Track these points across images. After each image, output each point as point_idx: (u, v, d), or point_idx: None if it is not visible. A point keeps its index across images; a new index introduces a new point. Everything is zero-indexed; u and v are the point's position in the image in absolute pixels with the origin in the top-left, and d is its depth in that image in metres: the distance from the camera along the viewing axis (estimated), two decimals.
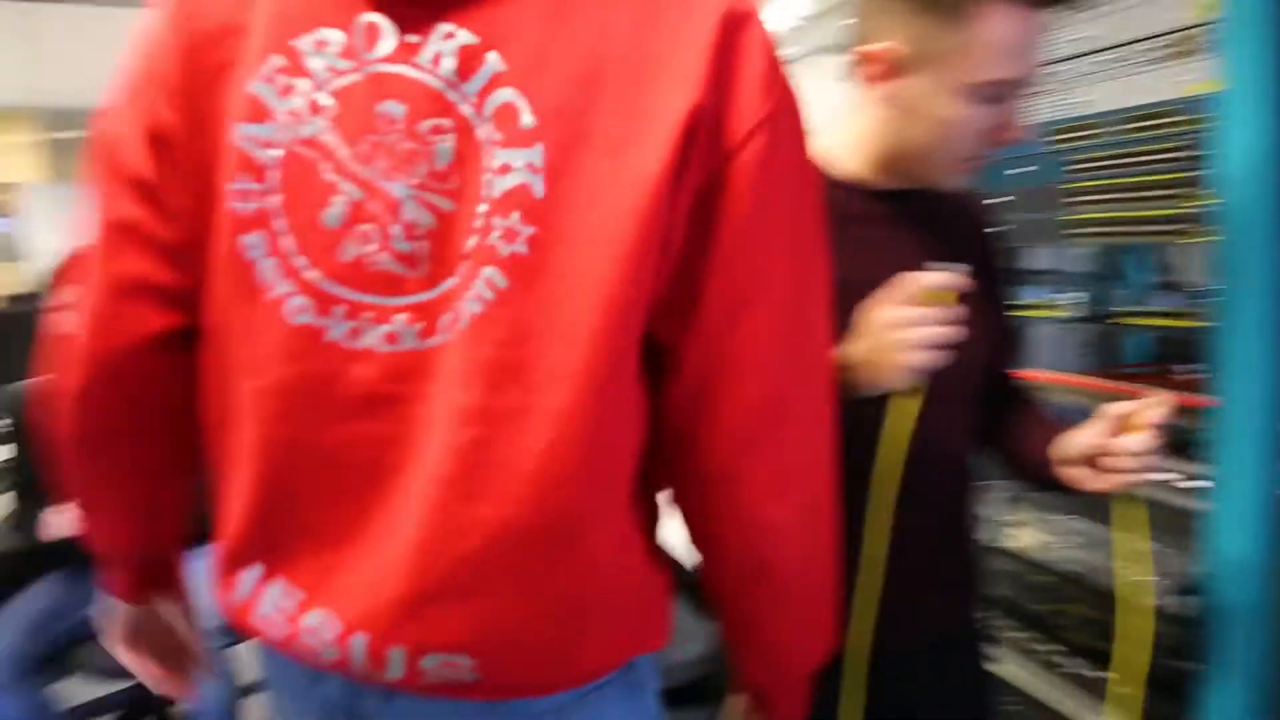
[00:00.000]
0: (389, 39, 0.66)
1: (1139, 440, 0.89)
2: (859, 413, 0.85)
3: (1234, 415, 1.11)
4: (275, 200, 0.68)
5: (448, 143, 0.65)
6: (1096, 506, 1.43)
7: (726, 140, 0.65)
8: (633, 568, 0.75)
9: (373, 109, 0.66)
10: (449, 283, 0.66)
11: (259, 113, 0.67)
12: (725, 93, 0.64)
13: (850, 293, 0.85)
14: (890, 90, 0.95)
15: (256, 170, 0.68)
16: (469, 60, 0.65)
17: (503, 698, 0.72)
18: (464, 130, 0.65)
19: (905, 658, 1.05)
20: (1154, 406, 0.89)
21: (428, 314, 0.67)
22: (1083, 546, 1.44)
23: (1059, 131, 1.39)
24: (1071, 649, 1.45)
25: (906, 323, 0.82)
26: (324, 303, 0.68)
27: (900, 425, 0.89)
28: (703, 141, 0.64)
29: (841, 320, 0.83)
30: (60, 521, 1.88)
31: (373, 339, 0.68)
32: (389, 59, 0.66)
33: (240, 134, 0.68)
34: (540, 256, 0.64)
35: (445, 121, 0.65)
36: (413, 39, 0.65)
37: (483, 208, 0.65)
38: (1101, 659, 1.40)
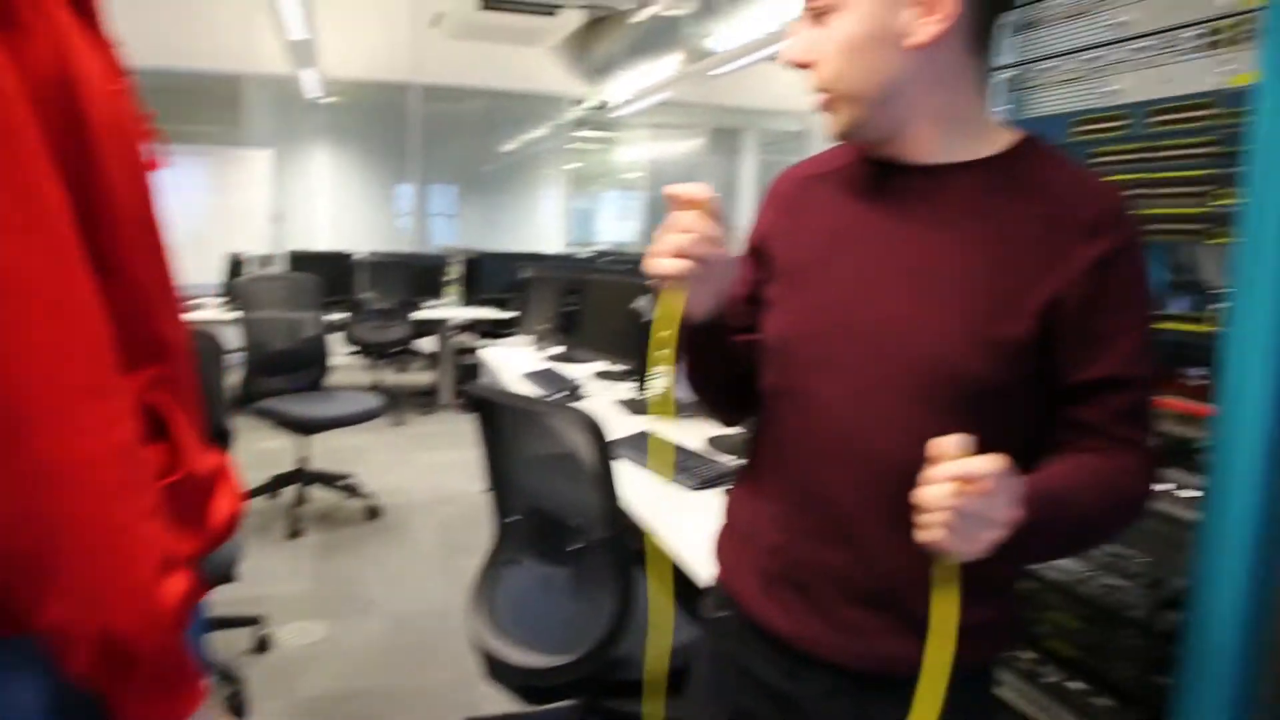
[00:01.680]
0: None
1: (934, 492, 0.80)
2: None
3: (1230, 425, 1.06)
4: None
5: None
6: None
7: None
8: None
9: None
10: None
11: None
12: None
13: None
14: None
15: None
16: None
17: None
18: None
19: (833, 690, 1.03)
20: (956, 458, 0.79)
21: None
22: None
23: (1084, 122, 1.34)
24: (1051, 659, 1.41)
25: (665, 228, 0.96)
26: None
27: (661, 321, 1.02)
28: None
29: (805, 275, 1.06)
30: None
31: None
32: None
33: None
34: None
35: None
36: None
37: None
38: (1080, 670, 1.36)
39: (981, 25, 0.96)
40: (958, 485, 0.78)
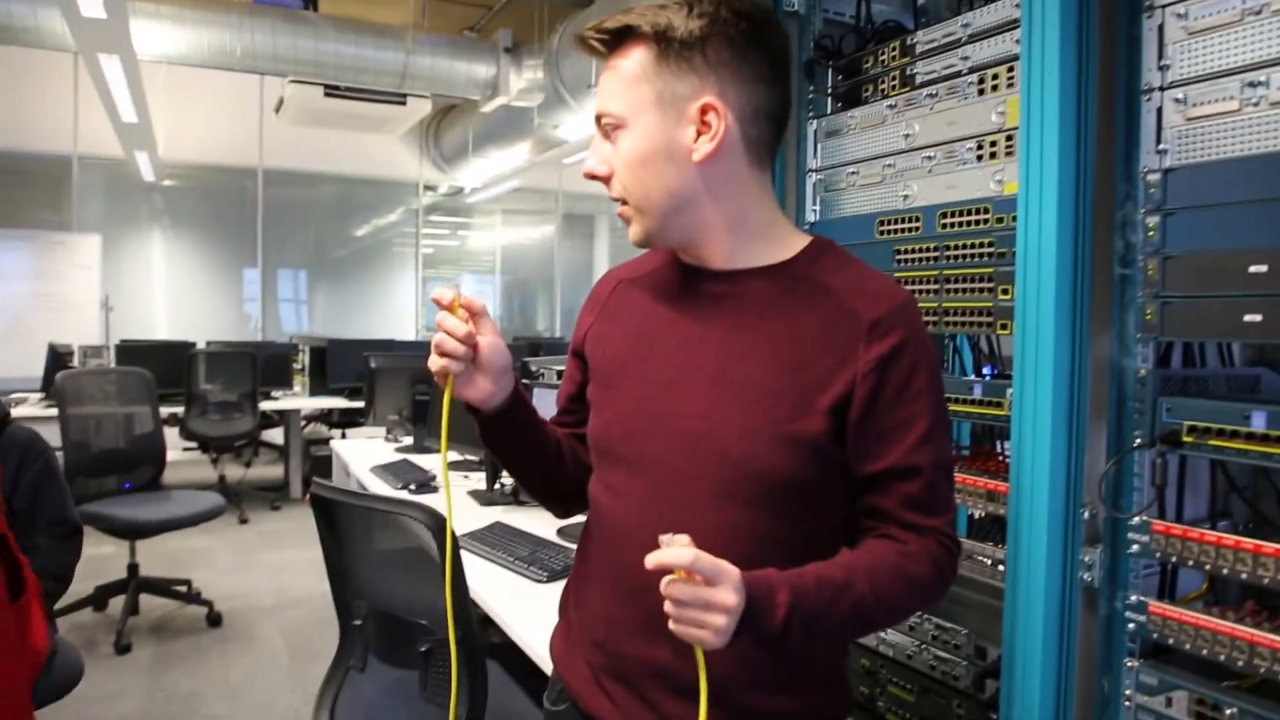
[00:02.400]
0: None
1: (667, 584, 0.86)
2: None
3: (1023, 500, 1.15)
4: None
5: None
6: None
7: None
8: None
9: None
10: None
11: None
12: None
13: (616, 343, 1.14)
14: None
15: None
16: None
17: None
18: None
19: None
20: (670, 548, 0.86)
21: None
22: (901, 630, 1.46)
23: (886, 222, 1.46)
24: None
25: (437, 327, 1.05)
26: None
27: (443, 413, 1.11)
28: None
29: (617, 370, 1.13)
30: None
31: None
32: None
33: None
34: None
35: None
36: None
37: None
38: None
39: (762, 143, 1.06)
40: (677, 575, 0.85)
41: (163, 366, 5.37)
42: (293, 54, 6.00)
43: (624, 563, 1.05)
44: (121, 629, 3.75)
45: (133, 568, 4.01)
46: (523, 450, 1.19)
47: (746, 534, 1.00)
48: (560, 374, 2.14)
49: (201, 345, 6.45)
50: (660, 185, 1.04)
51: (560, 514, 1.32)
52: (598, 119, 1.07)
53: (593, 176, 1.09)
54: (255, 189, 8.96)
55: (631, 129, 1.04)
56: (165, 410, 5.08)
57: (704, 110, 1.01)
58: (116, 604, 3.99)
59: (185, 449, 6.41)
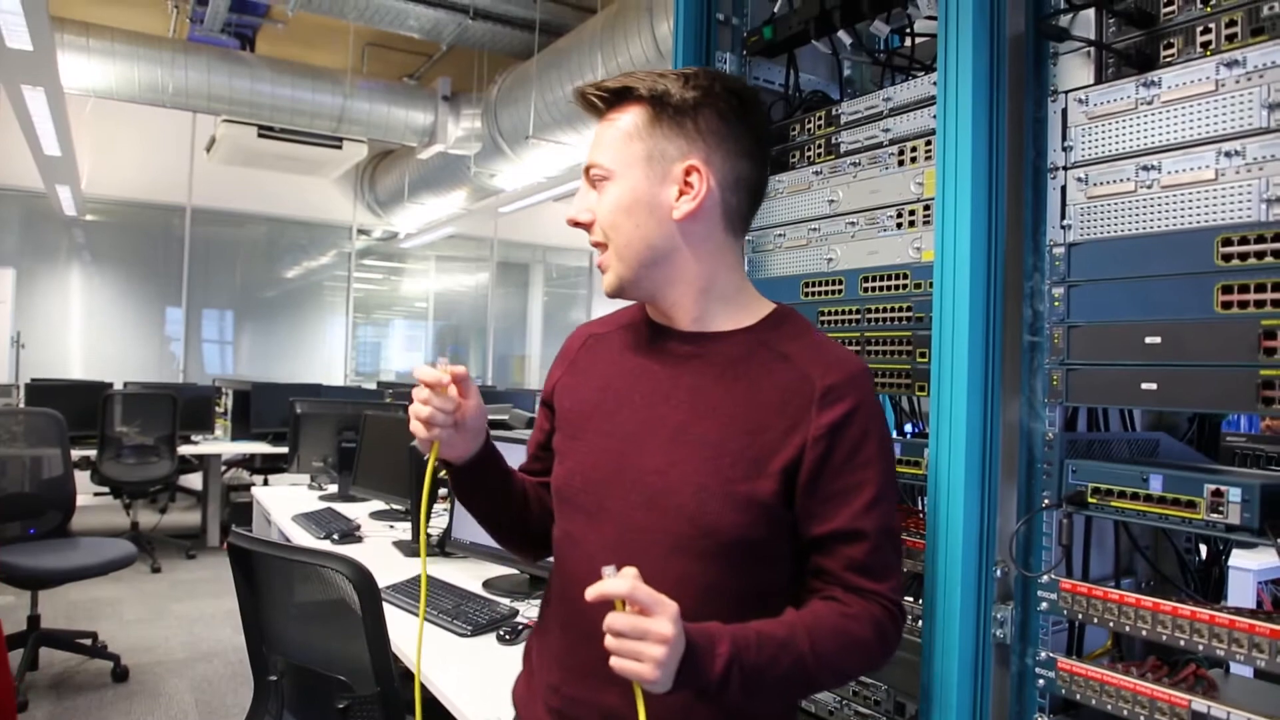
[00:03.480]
0: None
1: (611, 618, 0.89)
2: None
3: (939, 557, 1.19)
4: None
5: None
6: None
7: None
8: None
9: None
10: None
11: None
12: None
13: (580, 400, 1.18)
14: None
15: None
16: None
17: None
18: None
19: None
20: (609, 579, 0.89)
21: None
22: None
23: (811, 284, 1.50)
24: None
25: (416, 398, 1.09)
26: None
27: (425, 481, 1.15)
28: None
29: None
30: None
31: None
32: None
33: None
34: None
35: None
36: None
37: None
38: None
39: (738, 211, 1.13)
40: (618, 608, 0.88)
41: (76, 407, 5.17)
42: (227, 93, 5.95)
43: (577, 608, 1.05)
44: (18, 686, 3.55)
45: (33, 620, 3.81)
46: (492, 498, 1.24)
47: (696, 587, 1.03)
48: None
49: (119, 385, 6.24)
50: (640, 235, 1.09)
51: (528, 559, 1.38)
52: (587, 170, 1.13)
53: (575, 224, 1.14)
54: (183, 226, 8.78)
55: (618, 181, 1.10)
56: (77, 453, 4.88)
57: (688, 171, 1.07)
58: (15, 659, 3.78)
59: (97, 494, 6.15)
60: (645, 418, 1.11)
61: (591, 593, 0.88)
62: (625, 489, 1.09)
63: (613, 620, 0.88)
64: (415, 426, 1.11)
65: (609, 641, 0.88)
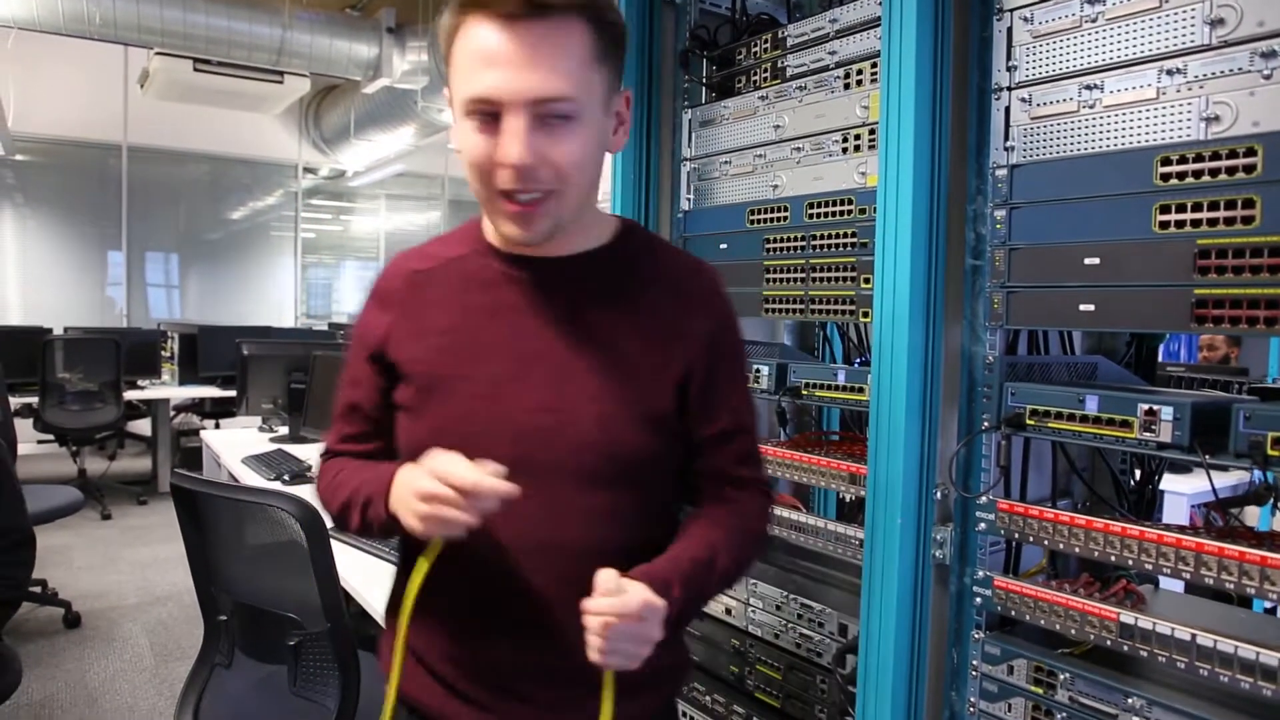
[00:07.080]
0: None
1: (595, 623, 0.88)
2: None
3: (880, 481, 1.21)
4: None
5: None
6: (787, 573, 1.52)
7: None
8: None
9: None
10: None
11: None
12: None
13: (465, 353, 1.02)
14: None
15: None
16: None
17: None
18: None
19: None
20: (613, 593, 0.88)
21: None
22: (769, 610, 1.51)
23: (756, 211, 1.49)
24: (761, 709, 1.51)
25: (428, 496, 0.89)
26: None
27: (415, 573, 0.99)
28: None
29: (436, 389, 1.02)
30: None
31: None
32: None
33: None
34: None
35: None
36: None
37: None
38: (785, 718, 1.47)
39: None
40: (614, 618, 0.87)
41: (13, 354, 5.04)
42: (159, 24, 5.68)
43: (489, 571, 1.02)
44: None
45: None
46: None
47: (608, 514, 1.02)
48: None
49: (59, 331, 6.06)
50: (591, 180, 0.98)
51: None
52: (533, 101, 0.89)
53: (523, 167, 0.91)
54: (119, 166, 8.46)
55: (586, 122, 0.93)
56: (17, 401, 4.76)
57: (626, 102, 1.01)
58: None
59: (40, 441, 6.02)
60: (517, 355, 1.01)
61: (597, 607, 0.87)
62: (515, 436, 0.99)
63: (615, 631, 0.87)
64: (428, 527, 0.92)
65: (599, 643, 0.88)
